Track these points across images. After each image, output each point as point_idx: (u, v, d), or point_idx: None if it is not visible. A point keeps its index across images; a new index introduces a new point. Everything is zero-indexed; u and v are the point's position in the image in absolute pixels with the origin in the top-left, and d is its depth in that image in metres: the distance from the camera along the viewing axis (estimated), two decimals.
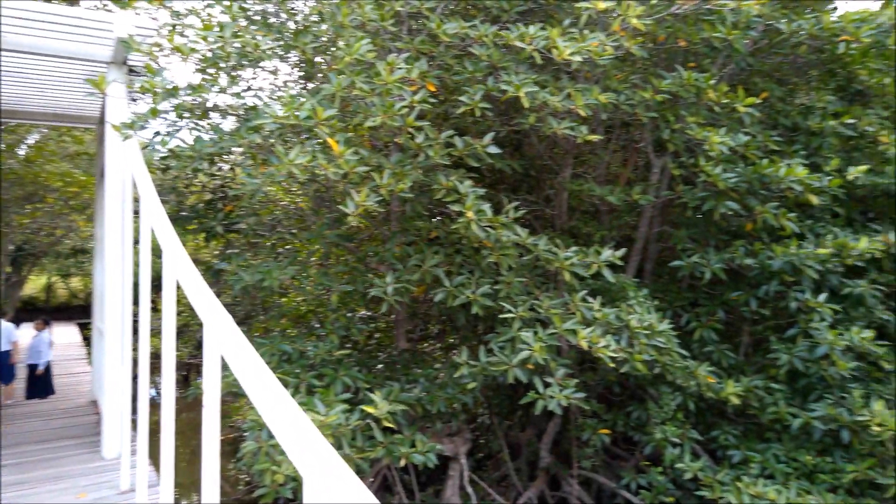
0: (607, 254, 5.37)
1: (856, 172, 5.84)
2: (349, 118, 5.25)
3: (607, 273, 5.40)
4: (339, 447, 4.92)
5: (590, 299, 5.46)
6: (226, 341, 1.98)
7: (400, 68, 4.92)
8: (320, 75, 6.99)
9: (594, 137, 5.00)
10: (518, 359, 4.85)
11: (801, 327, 6.01)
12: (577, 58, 4.58)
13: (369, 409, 4.62)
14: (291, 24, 6.94)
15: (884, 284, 6.37)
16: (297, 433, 1.33)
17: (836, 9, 6.26)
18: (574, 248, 5.46)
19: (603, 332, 5.01)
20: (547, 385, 5.02)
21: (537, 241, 5.38)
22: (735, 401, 5.79)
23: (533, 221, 7.79)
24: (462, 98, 5.12)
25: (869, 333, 5.64)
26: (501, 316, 5.20)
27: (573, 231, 7.31)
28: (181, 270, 2.78)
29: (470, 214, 4.65)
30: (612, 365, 4.90)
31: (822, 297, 5.83)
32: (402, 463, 5.11)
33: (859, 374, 6.08)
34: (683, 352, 5.73)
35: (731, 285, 6.72)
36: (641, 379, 6.33)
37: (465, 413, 7.61)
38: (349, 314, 6.14)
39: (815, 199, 5.80)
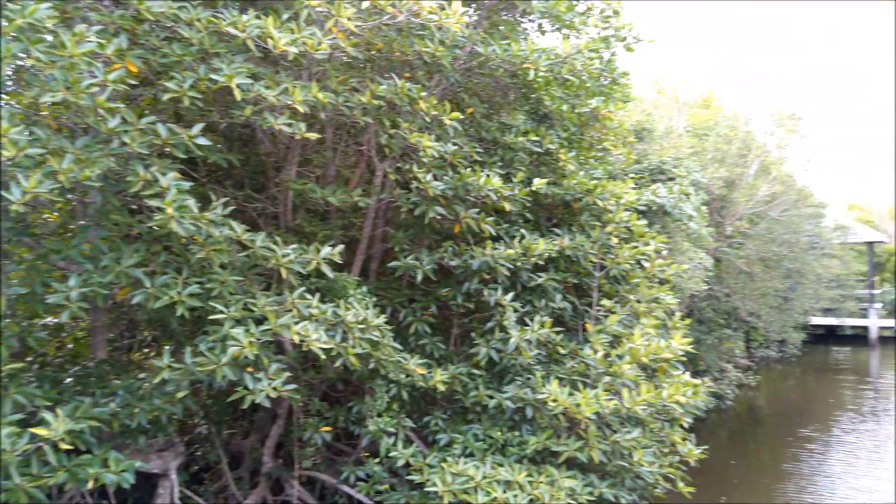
0: (326, 251, 5.44)
1: (539, 184, 6.82)
2: (22, 92, 4.49)
3: (326, 270, 5.46)
4: (6, 476, 4.17)
5: (308, 296, 5.46)
6: None
7: (90, 41, 4.35)
8: None
9: (312, 135, 5.02)
10: (227, 356, 4.64)
11: (498, 320, 6.81)
12: (293, 49, 4.55)
13: (40, 431, 3.99)
14: None
15: (561, 280, 7.51)
16: None
17: (526, 39, 7.21)
18: (294, 246, 5.41)
19: (317, 328, 5.05)
20: (258, 381, 4.89)
21: (255, 237, 5.22)
22: (442, 388, 6.32)
23: (258, 219, 7.55)
24: (169, 84, 4.73)
25: (548, 322, 6.62)
26: (212, 317, 4.92)
27: (298, 229, 7.26)
28: None
29: (170, 210, 4.31)
30: (324, 357, 4.98)
31: (510, 295, 6.68)
32: (91, 485, 4.53)
33: (542, 358, 7.08)
34: (397, 345, 6.07)
35: (443, 282, 7.33)
36: (362, 374, 6.53)
37: (178, 425, 7.05)
38: (24, 322, 5.25)
39: (508, 206, 6.61)
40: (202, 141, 4.67)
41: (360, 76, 6.32)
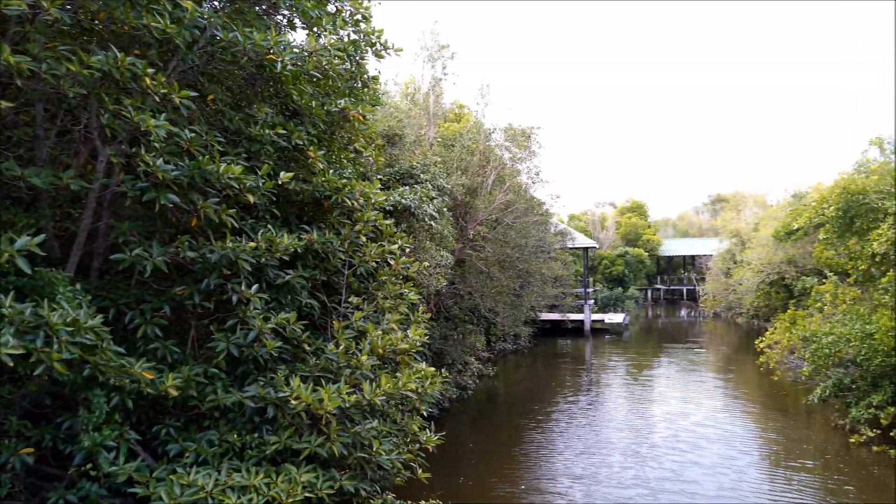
0: (22, 242, 4.66)
1: (284, 178, 6.67)
2: None
3: (23, 265, 4.68)
4: None
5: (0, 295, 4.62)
6: None
7: None
8: None
9: (4, 103, 4.25)
10: None
11: (240, 317, 6.49)
12: None
13: None
14: None
15: (310, 277, 7.44)
16: None
17: (271, 30, 7.01)
18: None
19: (7, 330, 4.29)
20: None
21: None
22: (174, 393, 5.82)
23: None
24: None
25: (292, 315, 6.49)
26: None
27: None
28: None
29: None
30: (12, 364, 4.25)
31: (255, 287, 6.42)
32: None
33: (287, 356, 6.93)
34: (119, 349, 5.44)
35: (179, 281, 6.76)
36: (75, 383, 5.72)
37: None
38: None
39: (251, 198, 6.36)
40: None
41: (77, 46, 5.56)
